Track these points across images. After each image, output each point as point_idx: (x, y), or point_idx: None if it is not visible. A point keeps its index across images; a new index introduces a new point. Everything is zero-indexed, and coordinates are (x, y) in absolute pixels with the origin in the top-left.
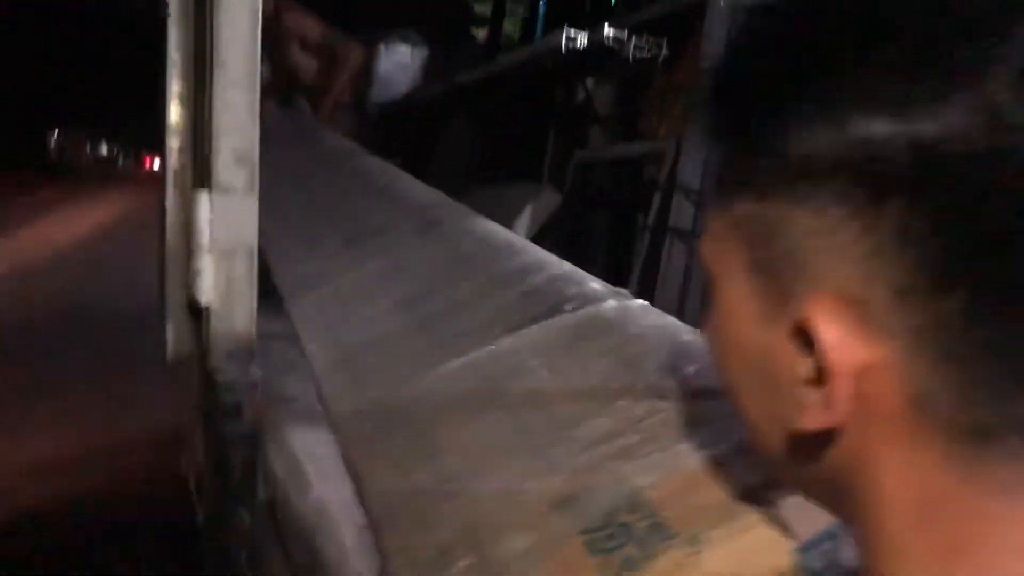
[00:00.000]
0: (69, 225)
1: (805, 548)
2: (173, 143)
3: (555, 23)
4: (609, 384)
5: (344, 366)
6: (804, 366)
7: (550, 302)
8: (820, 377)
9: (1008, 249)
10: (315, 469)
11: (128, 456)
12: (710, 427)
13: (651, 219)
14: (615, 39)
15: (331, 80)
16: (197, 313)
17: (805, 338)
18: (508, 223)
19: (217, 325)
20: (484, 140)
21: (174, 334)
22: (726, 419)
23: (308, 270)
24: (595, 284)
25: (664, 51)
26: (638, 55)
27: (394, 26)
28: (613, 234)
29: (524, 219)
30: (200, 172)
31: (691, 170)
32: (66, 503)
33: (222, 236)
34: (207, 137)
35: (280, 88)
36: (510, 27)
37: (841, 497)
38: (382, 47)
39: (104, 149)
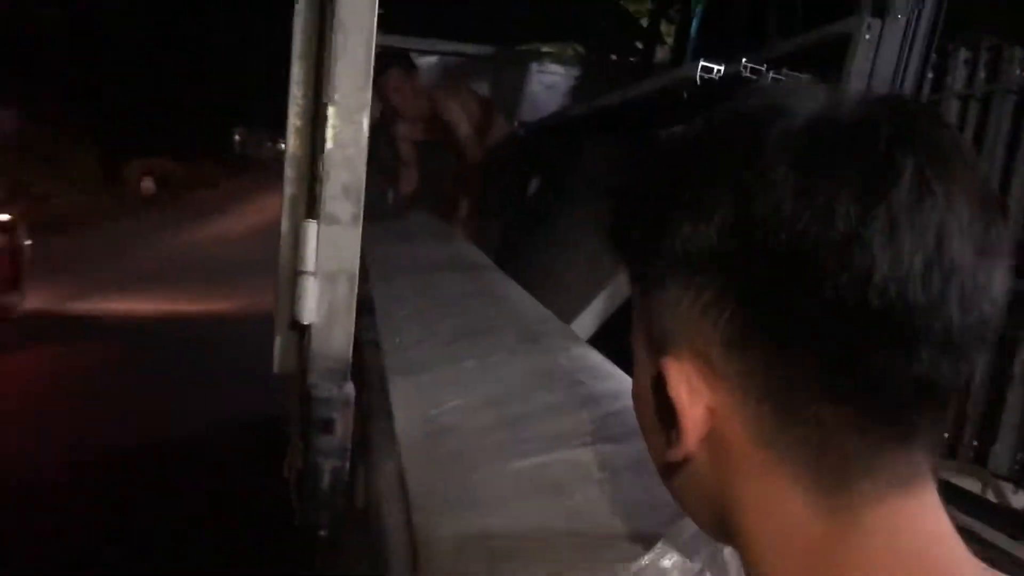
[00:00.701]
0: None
1: None
2: (290, 172)
3: (709, 45)
4: (664, 516)
5: (428, 445)
6: (663, 408)
7: (628, 428)
8: (674, 417)
9: (772, 311)
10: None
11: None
12: None
13: None
14: (753, 71)
15: (454, 140)
16: (301, 331)
17: (662, 386)
18: None
19: (317, 343)
20: (624, 162)
21: (280, 349)
22: None
23: (414, 356)
24: None
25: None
26: None
27: (555, 39)
28: None
29: None
30: (311, 201)
31: None
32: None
33: (326, 262)
34: (319, 169)
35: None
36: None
37: (722, 528)
38: (534, 67)
39: (283, 144)
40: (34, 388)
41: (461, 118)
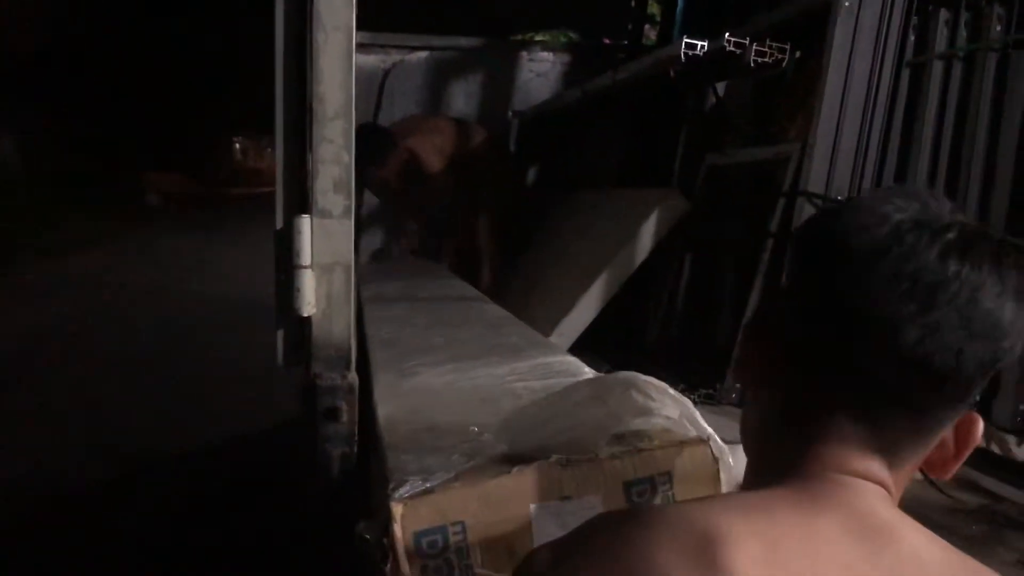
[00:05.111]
0: None
1: None
2: (281, 170)
3: (695, 22)
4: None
5: (400, 382)
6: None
7: (547, 375)
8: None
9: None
10: None
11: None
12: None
13: (774, 225)
14: (736, 45)
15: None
16: (302, 323)
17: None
18: (636, 227)
19: (318, 334)
20: (618, 145)
21: (283, 342)
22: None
23: (392, 336)
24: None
25: (787, 56)
26: (759, 60)
27: (550, 26)
28: (744, 240)
29: (651, 223)
30: (303, 197)
31: (816, 175)
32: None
33: (322, 255)
34: (309, 166)
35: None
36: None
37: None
38: (524, 55)
39: None
40: None
41: (432, 162)
